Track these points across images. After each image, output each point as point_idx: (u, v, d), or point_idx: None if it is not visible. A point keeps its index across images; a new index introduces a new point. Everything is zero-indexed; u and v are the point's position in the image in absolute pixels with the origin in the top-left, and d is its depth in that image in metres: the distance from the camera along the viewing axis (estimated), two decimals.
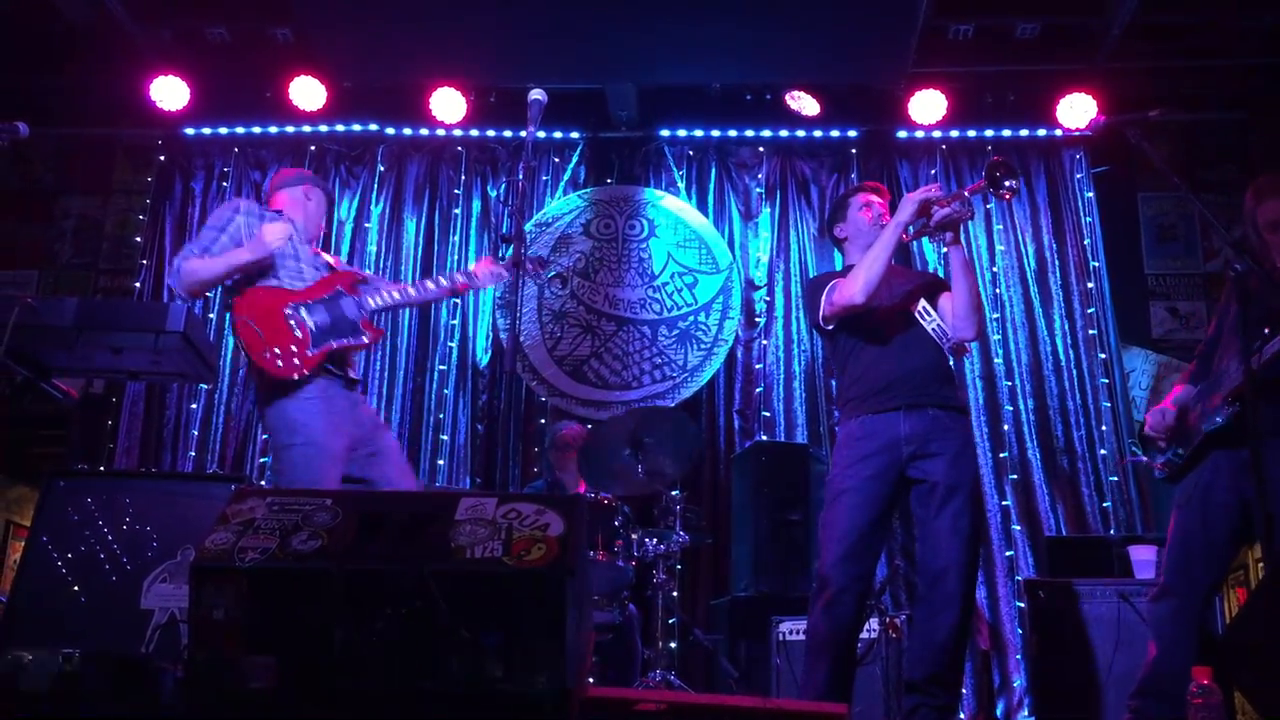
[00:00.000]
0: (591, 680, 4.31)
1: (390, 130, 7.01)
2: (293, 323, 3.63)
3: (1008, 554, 6.07)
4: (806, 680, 3.36)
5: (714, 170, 7.02)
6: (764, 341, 6.65)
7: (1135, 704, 3.25)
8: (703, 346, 6.65)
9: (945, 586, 3.29)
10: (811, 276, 6.50)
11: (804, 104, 6.66)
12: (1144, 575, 4.49)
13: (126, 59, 6.63)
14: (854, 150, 6.92)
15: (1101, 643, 4.19)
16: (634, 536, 4.77)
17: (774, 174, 6.97)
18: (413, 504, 2.13)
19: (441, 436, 6.50)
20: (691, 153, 7.06)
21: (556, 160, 7.08)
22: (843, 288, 3.51)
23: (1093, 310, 6.52)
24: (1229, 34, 6.45)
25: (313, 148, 7.00)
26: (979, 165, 6.70)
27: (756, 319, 6.73)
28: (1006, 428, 6.33)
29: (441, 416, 6.54)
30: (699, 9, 5.77)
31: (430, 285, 3.98)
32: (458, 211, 6.95)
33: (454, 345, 6.69)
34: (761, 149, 7.00)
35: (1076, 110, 6.39)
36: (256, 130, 7.00)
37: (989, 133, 6.80)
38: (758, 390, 6.55)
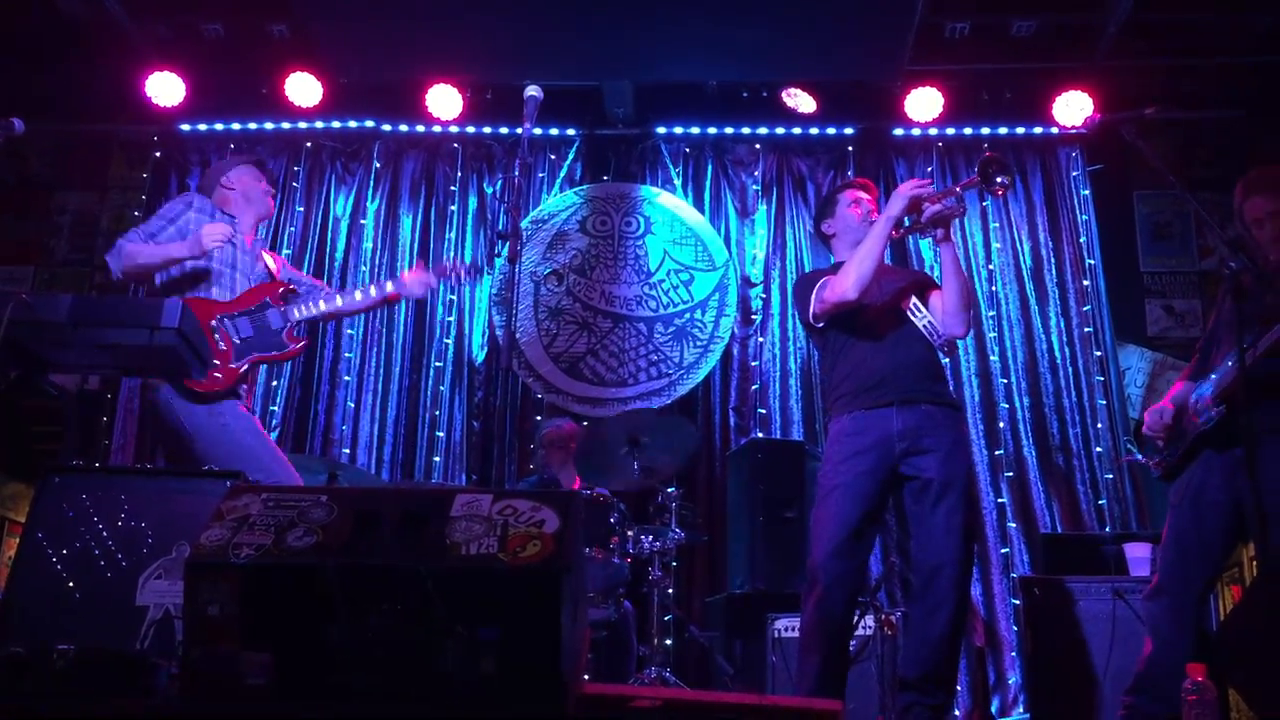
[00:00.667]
0: (587, 677, 4.31)
1: (386, 127, 7.01)
2: (218, 335, 3.68)
3: (1003, 551, 6.08)
4: (800, 676, 3.37)
5: (710, 167, 7.02)
6: (760, 339, 6.66)
7: (1130, 701, 3.26)
8: (699, 344, 6.65)
9: (940, 584, 3.30)
10: (800, 274, 6.50)
11: (800, 101, 6.66)
12: (1139, 573, 4.50)
13: (122, 55, 6.62)
14: (850, 148, 6.92)
15: (1096, 640, 4.19)
16: (630, 533, 4.78)
17: (770, 171, 6.97)
18: (408, 501, 2.13)
19: (437, 433, 6.51)
20: (688, 150, 7.06)
21: (553, 157, 7.07)
22: (834, 284, 3.51)
23: (1088, 308, 6.54)
24: (1226, 32, 6.45)
25: (308, 144, 7.00)
26: (975, 163, 6.68)
27: (753, 316, 6.74)
28: (1002, 425, 6.34)
29: (437, 413, 6.55)
30: (695, 6, 5.76)
31: (359, 295, 4.04)
32: (454, 208, 6.94)
33: (450, 342, 6.69)
34: (758, 146, 7.00)
35: (1073, 108, 6.40)
36: (252, 126, 6.99)
37: (985, 130, 6.81)
38: (754, 387, 6.56)
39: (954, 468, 3.38)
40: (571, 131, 7.01)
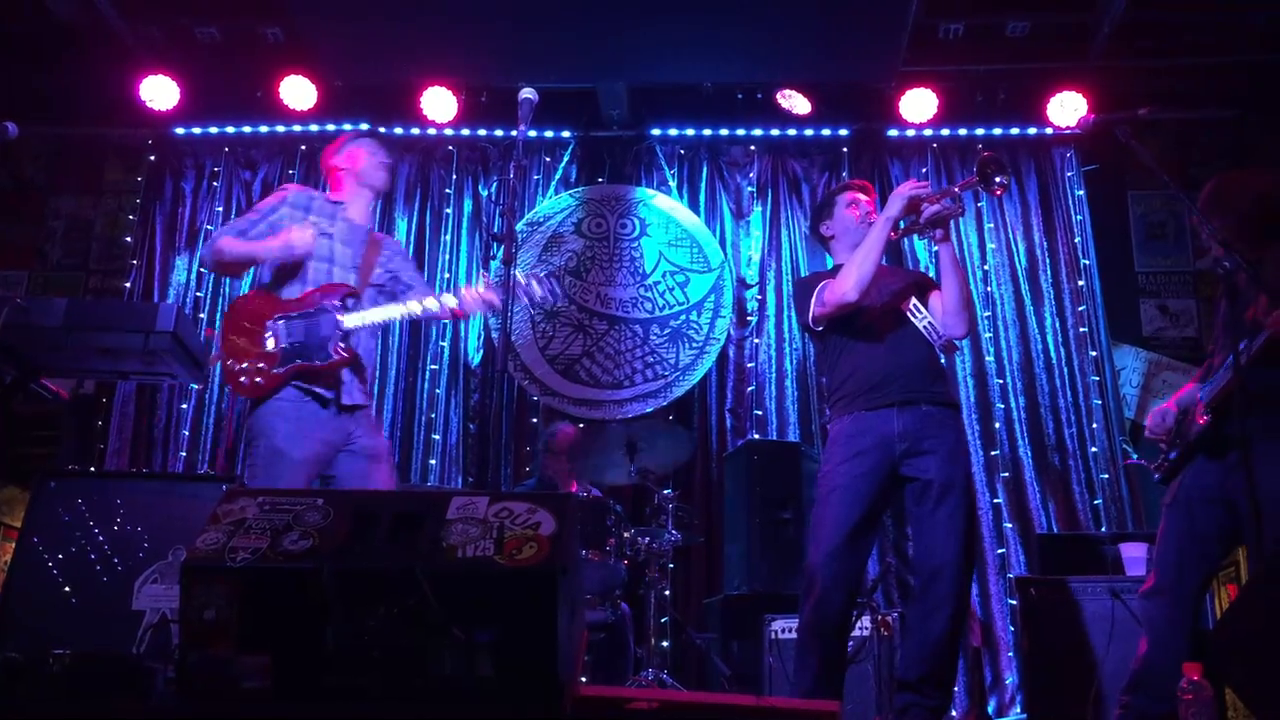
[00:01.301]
0: (584, 679, 4.31)
1: (381, 130, 6.98)
2: (268, 336, 3.48)
3: (999, 551, 6.09)
4: (797, 677, 3.37)
5: (705, 169, 7.03)
6: (756, 340, 6.66)
7: (1126, 700, 3.26)
8: (695, 345, 6.65)
9: (940, 585, 3.29)
10: (799, 277, 6.51)
11: (795, 103, 6.67)
12: (1135, 572, 4.50)
13: (117, 58, 6.61)
14: (845, 149, 6.93)
15: (1093, 639, 4.19)
16: (626, 535, 4.78)
17: (765, 173, 6.97)
18: (404, 503, 2.13)
19: (433, 435, 6.50)
20: (683, 151, 7.06)
21: (548, 159, 7.07)
22: (834, 286, 3.51)
23: (1083, 308, 6.54)
24: (1221, 32, 6.46)
25: (303, 147, 6.98)
26: (970, 164, 6.69)
27: (748, 317, 6.74)
28: (998, 425, 6.34)
29: (433, 415, 6.55)
30: (690, 8, 5.77)
31: (419, 309, 3.65)
32: (449, 211, 6.94)
33: (445, 344, 6.68)
34: (753, 148, 7.00)
35: (1067, 109, 6.41)
36: (247, 130, 6.99)
37: (980, 131, 6.82)
38: (750, 389, 6.56)
39: (955, 470, 3.37)
40: (566, 134, 7.01)
